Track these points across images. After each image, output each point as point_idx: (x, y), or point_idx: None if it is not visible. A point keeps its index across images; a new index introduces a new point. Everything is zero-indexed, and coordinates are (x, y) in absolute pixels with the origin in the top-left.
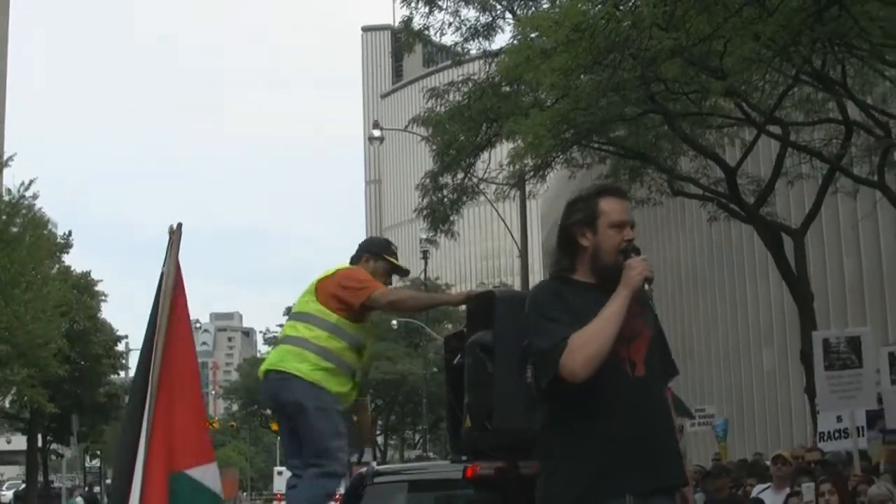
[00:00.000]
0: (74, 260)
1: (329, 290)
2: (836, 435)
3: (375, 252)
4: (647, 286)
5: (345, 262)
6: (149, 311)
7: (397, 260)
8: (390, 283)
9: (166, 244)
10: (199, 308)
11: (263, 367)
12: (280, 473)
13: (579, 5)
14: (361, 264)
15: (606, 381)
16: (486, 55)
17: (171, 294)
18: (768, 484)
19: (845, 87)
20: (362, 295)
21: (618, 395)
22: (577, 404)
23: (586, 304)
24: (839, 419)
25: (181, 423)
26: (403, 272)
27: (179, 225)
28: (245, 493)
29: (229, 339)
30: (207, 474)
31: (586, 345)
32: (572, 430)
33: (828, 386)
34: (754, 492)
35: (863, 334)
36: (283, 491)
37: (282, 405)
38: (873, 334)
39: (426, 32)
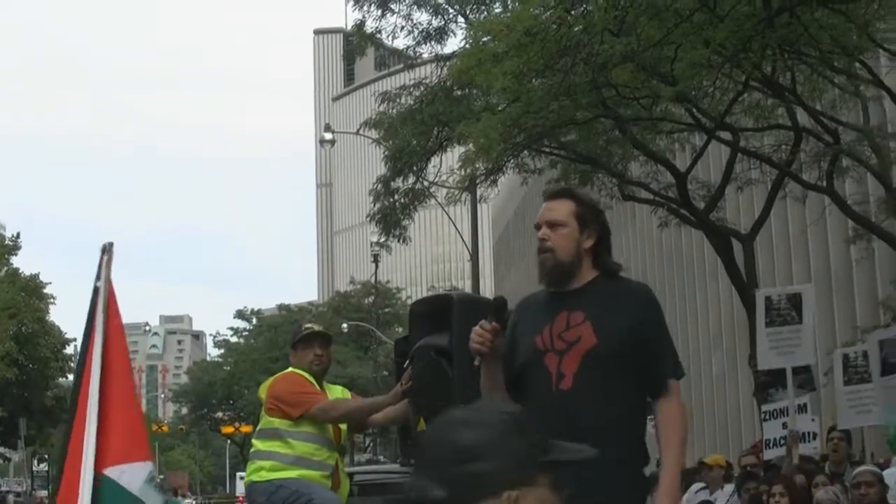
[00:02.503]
0: (23, 262)
1: (268, 400)
2: (782, 442)
3: (292, 346)
4: (476, 362)
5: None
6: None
7: (306, 331)
8: (326, 349)
9: (99, 261)
10: (149, 311)
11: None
12: (242, 478)
13: (531, 10)
14: (293, 363)
15: (532, 395)
16: (438, 59)
17: (105, 309)
18: (703, 484)
19: (795, 93)
20: (298, 410)
21: (539, 408)
22: None
23: (534, 316)
24: (784, 426)
25: (110, 422)
26: (321, 335)
27: (111, 244)
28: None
29: (179, 342)
30: (124, 474)
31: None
32: None
33: (767, 342)
34: (692, 489)
35: (804, 291)
36: (245, 494)
37: None
38: (814, 290)
39: (378, 36)
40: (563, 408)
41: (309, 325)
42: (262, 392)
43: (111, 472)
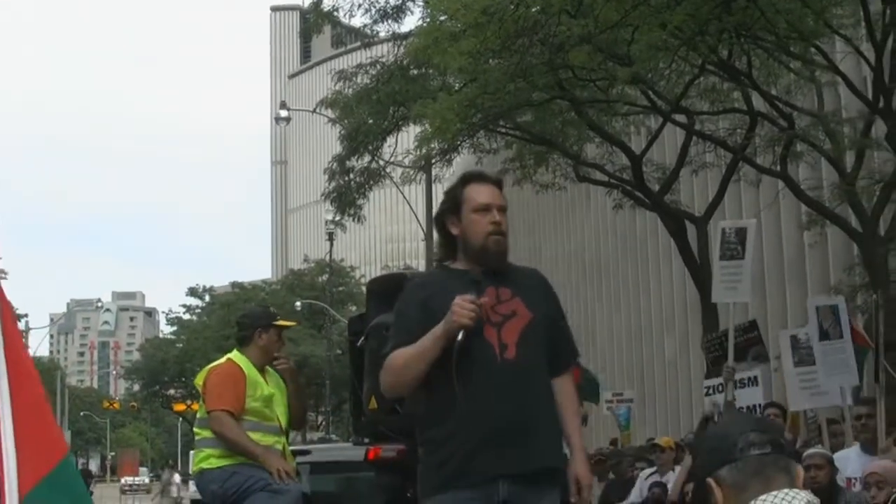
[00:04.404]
0: None
1: (203, 390)
2: None
3: (265, 325)
4: (459, 336)
5: (219, 358)
6: (46, 293)
7: (285, 322)
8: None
9: None
10: (101, 287)
11: None
12: None
13: None
14: (255, 341)
15: (474, 366)
16: (396, 38)
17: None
18: (653, 469)
19: (750, 77)
20: (209, 406)
21: (485, 379)
22: (446, 389)
23: (454, 291)
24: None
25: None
26: (290, 326)
27: None
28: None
29: (131, 319)
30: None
31: (394, 371)
32: (444, 414)
33: (720, 276)
34: (643, 474)
35: (749, 226)
36: (195, 482)
37: None
38: (755, 228)
39: (335, 13)
40: (512, 376)
41: (274, 311)
42: (200, 381)
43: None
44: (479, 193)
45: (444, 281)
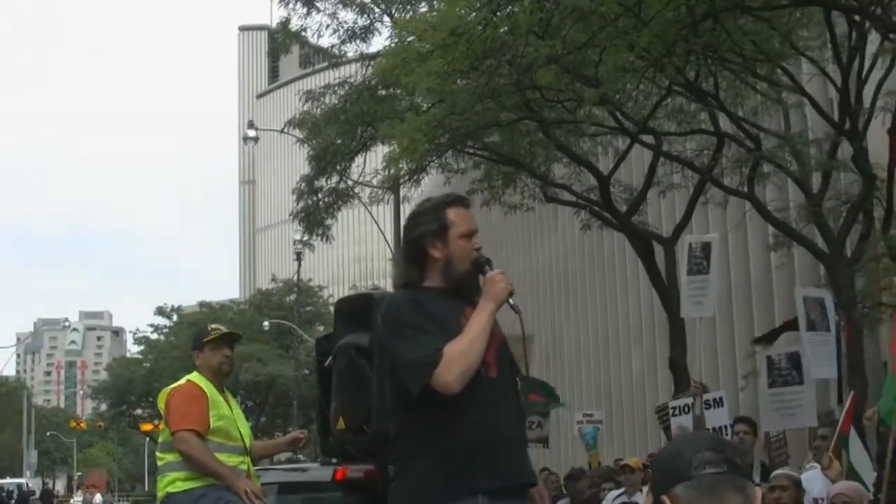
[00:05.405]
0: None
1: (165, 412)
2: None
3: (197, 346)
4: (510, 300)
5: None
6: (13, 312)
7: (216, 333)
8: (233, 350)
9: None
10: (68, 306)
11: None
12: None
13: (457, 10)
14: (198, 363)
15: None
16: (363, 58)
17: None
18: (623, 489)
19: (717, 99)
20: (172, 427)
21: (474, 396)
22: (433, 406)
23: (445, 310)
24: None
25: None
26: (229, 335)
27: None
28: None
29: (98, 339)
30: None
31: (460, 359)
32: (427, 431)
33: (688, 291)
34: (610, 496)
35: (713, 240)
36: None
37: None
38: (721, 241)
39: (303, 34)
40: (495, 394)
41: (216, 327)
42: (161, 403)
43: None
44: (465, 219)
45: (433, 298)
